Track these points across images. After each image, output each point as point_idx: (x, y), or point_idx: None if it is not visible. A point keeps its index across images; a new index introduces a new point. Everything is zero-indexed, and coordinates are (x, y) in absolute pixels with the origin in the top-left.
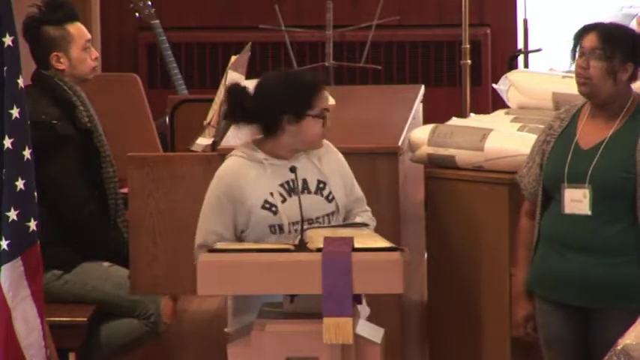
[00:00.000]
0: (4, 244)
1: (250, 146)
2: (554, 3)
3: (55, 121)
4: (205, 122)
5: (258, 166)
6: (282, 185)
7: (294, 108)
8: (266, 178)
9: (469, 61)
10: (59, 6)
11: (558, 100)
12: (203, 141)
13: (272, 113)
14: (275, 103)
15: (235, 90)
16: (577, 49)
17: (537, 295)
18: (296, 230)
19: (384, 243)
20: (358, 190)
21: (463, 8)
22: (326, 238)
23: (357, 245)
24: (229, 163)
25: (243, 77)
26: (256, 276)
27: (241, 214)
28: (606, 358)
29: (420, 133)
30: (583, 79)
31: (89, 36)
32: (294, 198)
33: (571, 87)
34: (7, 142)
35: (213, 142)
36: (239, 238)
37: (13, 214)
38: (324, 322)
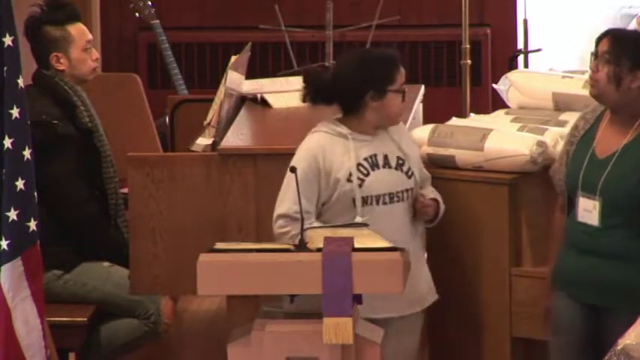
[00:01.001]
0: (4, 244)
1: (334, 122)
2: (554, 3)
3: (55, 121)
4: (205, 122)
5: (343, 141)
6: (365, 159)
7: (377, 84)
8: (351, 152)
9: (469, 61)
10: (60, 6)
11: (558, 100)
12: (203, 141)
13: (354, 92)
14: (357, 81)
15: (313, 73)
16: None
17: (555, 285)
18: (377, 203)
19: (384, 243)
20: (424, 169)
21: (463, 8)
22: (326, 238)
23: (357, 245)
24: (315, 138)
25: (244, 77)
26: (256, 276)
27: (325, 187)
28: (606, 358)
29: (420, 133)
30: (592, 81)
31: (90, 37)
32: (377, 172)
33: (571, 87)
34: (7, 142)
35: (213, 142)
36: (323, 210)
37: (13, 214)
38: (324, 322)
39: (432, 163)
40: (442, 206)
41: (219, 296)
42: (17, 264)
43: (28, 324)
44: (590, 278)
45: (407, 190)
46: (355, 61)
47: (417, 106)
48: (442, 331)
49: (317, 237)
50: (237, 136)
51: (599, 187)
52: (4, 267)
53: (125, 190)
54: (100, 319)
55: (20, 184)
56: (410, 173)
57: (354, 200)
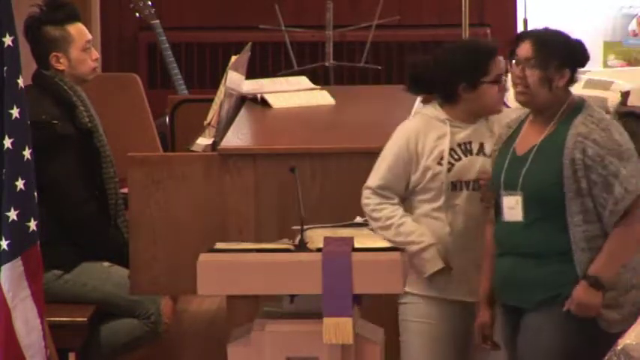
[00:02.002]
0: (4, 244)
1: (434, 106)
2: (554, 3)
3: (55, 121)
4: (205, 122)
5: (441, 125)
6: (459, 145)
7: (469, 76)
8: (446, 136)
9: None
10: (60, 6)
11: None
12: (203, 141)
13: (447, 84)
14: (450, 73)
15: (416, 64)
16: (514, 55)
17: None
18: (467, 188)
19: (384, 243)
20: None
21: (463, 8)
22: (326, 238)
23: (357, 245)
24: (414, 121)
25: (244, 77)
26: (256, 276)
27: (415, 171)
28: (606, 358)
29: None
30: (521, 88)
31: (90, 37)
32: (470, 158)
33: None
34: (7, 142)
35: (213, 142)
36: (409, 194)
37: (13, 214)
38: (324, 322)
39: None
40: None
41: (219, 296)
42: (17, 264)
43: (28, 324)
44: (509, 278)
45: None
46: (451, 53)
47: (417, 106)
48: None
49: (317, 237)
50: (237, 136)
51: (519, 183)
52: (4, 267)
53: (125, 190)
54: (100, 319)
55: (20, 184)
56: None
57: (442, 184)
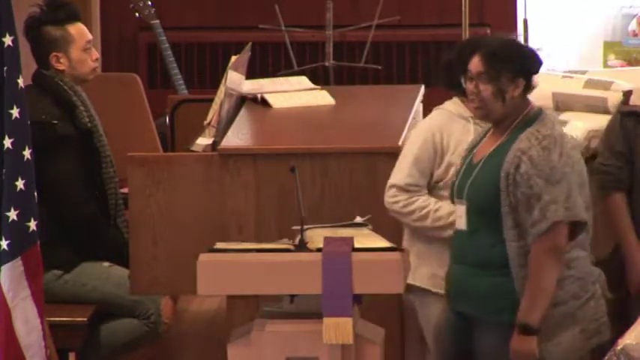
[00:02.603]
0: (4, 244)
1: (458, 103)
2: (554, 3)
3: (55, 121)
4: (205, 122)
5: (464, 122)
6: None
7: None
8: (469, 134)
9: None
10: (60, 6)
11: (558, 100)
12: (203, 141)
13: (458, 79)
14: (457, 69)
15: (443, 61)
16: (467, 70)
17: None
18: None
19: (384, 243)
20: None
21: (463, 8)
22: (326, 238)
23: (357, 245)
24: (435, 116)
25: (244, 77)
26: (256, 276)
27: (440, 164)
28: (606, 358)
29: None
30: (477, 103)
31: (90, 37)
32: None
33: (571, 87)
34: (7, 142)
35: (213, 142)
36: (433, 188)
37: (13, 214)
38: (324, 322)
39: None
40: None
41: (219, 296)
42: (17, 264)
43: (28, 324)
44: (458, 287)
45: None
46: (458, 49)
47: (417, 106)
48: None
49: (317, 237)
50: (237, 136)
51: (465, 191)
52: (4, 267)
53: (125, 190)
54: (100, 319)
55: (20, 184)
56: None
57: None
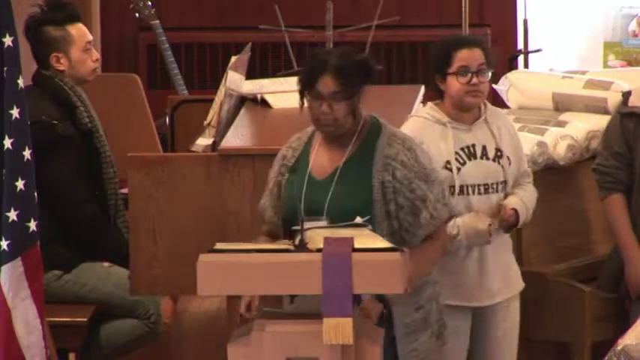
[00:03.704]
0: (4, 244)
1: (434, 108)
2: (554, 3)
3: (55, 122)
4: (205, 122)
5: (441, 128)
6: (462, 149)
7: (437, 68)
8: (448, 140)
9: None
10: (61, 6)
11: (558, 101)
12: (203, 141)
13: (433, 77)
14: (432, 67)
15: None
16: (312, 91)
17: None
18: (473, 193)
19: (384, 243)
20: (525, 164)
21: (463, 8)
22: (326, 238)
23: (357, 245)
24: (411, 124)
25: (244, 77)
26: (256, 276)
27: None
28: (606, 358)
29: None
30: (329, 122)
31: (90, 37)
32: (473, 162)
33: (571, 87)
34: (7, 142)
35: (213, 142)
36: None
37: (13, 215)
38: (324, 322)
39: None
40: (523, 216)
41: (219, 296)
42: (17, 264)
43: (28, 324)
44: None
45: (503, 182)
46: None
47: (417, 106)
48: None
49: (317, 237)
50: (237, 136)
51: (325, 207)
52: (4, 267)
53: (125, 190)
54: (100, 319)
55: (20, 184)
56: (506, 166)
57: (451, 188)
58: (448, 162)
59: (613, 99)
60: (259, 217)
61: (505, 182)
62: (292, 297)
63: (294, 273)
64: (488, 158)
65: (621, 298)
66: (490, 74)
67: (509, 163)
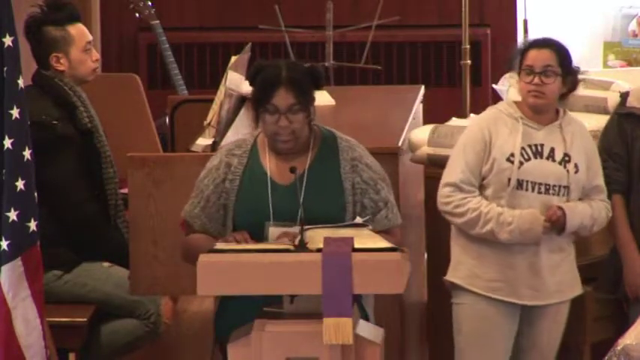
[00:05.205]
0: (4, 244)
1: (511, 104)
2: (554, 3)
3: (55, 122)
4: (205, 122)
5: (513, 122)
6: (529, 146)
7: (511, 67)
8: (517, 134)
9: (469, 62)
10: (61, 6)
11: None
12: (203, 141)
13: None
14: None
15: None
16: (269, 106)
17: None
18: (532, 190)
19: (384, 243)
20: (600, 179)
21: (463, 8)
22: (326, 238)
23: (357, 245)
24: (488, 112)
25: (244, 77)
26: (256, 276)
27: (487, 161)
28: (606, 358)
29: (419, 134)
30: (289, 136)
31: (90, 37)
32: (538, 160)
33: None
34: (7, 143)
35: (213, 142)
36: (480, 185)
37: (13, 215)
38: (324, 323)
39: (432, 163)
40: (570, 220)
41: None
42: (17, 264)
43: (28, 324)
44: None
45: (565, 187)
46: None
47: (417, 107)
48: (442, 331)
49: (317, 237)
50: (237, 136)
51: (299, 213)
52: (4, 267)
53: (125, 190)
54: (100, 319)
55: (20, 184)
56: (572, 172)
57: (509, 180)
58: (512, 154)
59: (613, 99)
60: (185, 224)
61: (568, 188)
62: (292, 297)
63: (294, 273)
64: (554, 160)
65: (620, 299)
66: (559, 78)
67: (576, 171)
